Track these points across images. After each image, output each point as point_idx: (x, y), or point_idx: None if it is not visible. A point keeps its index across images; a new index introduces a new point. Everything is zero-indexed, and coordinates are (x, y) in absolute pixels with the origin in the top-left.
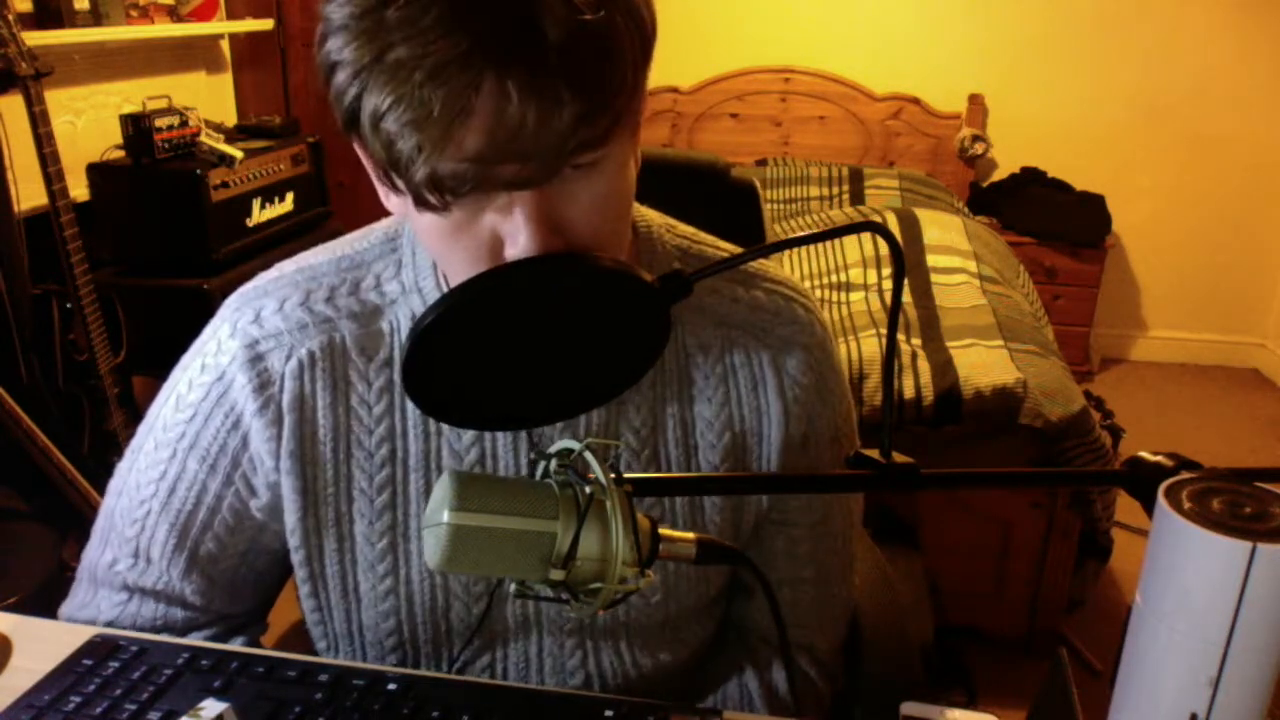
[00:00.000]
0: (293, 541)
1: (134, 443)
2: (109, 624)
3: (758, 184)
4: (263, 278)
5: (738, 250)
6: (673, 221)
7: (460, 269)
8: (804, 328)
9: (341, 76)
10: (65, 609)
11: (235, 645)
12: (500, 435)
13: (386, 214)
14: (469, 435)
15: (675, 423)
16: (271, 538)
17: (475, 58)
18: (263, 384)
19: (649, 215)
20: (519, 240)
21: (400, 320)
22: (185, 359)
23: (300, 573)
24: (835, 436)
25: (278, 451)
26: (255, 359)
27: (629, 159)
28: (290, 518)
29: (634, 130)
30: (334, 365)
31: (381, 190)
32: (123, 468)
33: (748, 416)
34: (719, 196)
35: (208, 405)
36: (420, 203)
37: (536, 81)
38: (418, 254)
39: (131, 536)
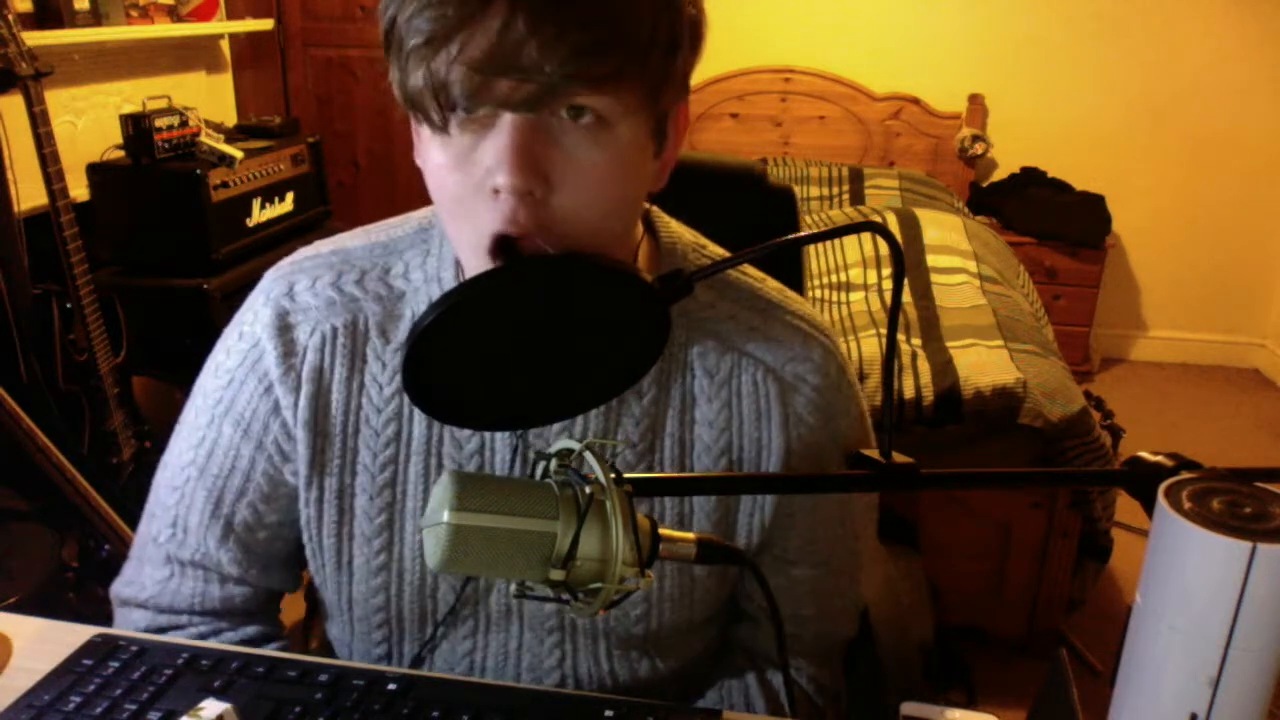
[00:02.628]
0: (299, 504)
1: (181, 417)
2: (150, 599)
3: (795, 190)
4: (301, 254)
5: (764, 276)
6: (704, 241)
7: (458, 210)
8: (818, 368)
9: None
10: (114, 586)
11: (236, 646)
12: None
13: (386, 215)
14: None
15: (673, 442)
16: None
17: None
18: (287, 352)
19: (679, 232)
20: (499, 170)
21: (420, 304)
22: (226, 330)
23: (302, 536)
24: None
25: (295, 419)
26: (284, 329)
27: (638, 153)
28: (299, 483)
29: (648, 121)
30: (354, 343)
31: (417, 142)
32: (171, 443)
33: (747, 447)
34: (754, 202)
35: (243, 371)
36: (418, 109)
37: (546, 5)
38: (444, 244)
39: (171, 505)
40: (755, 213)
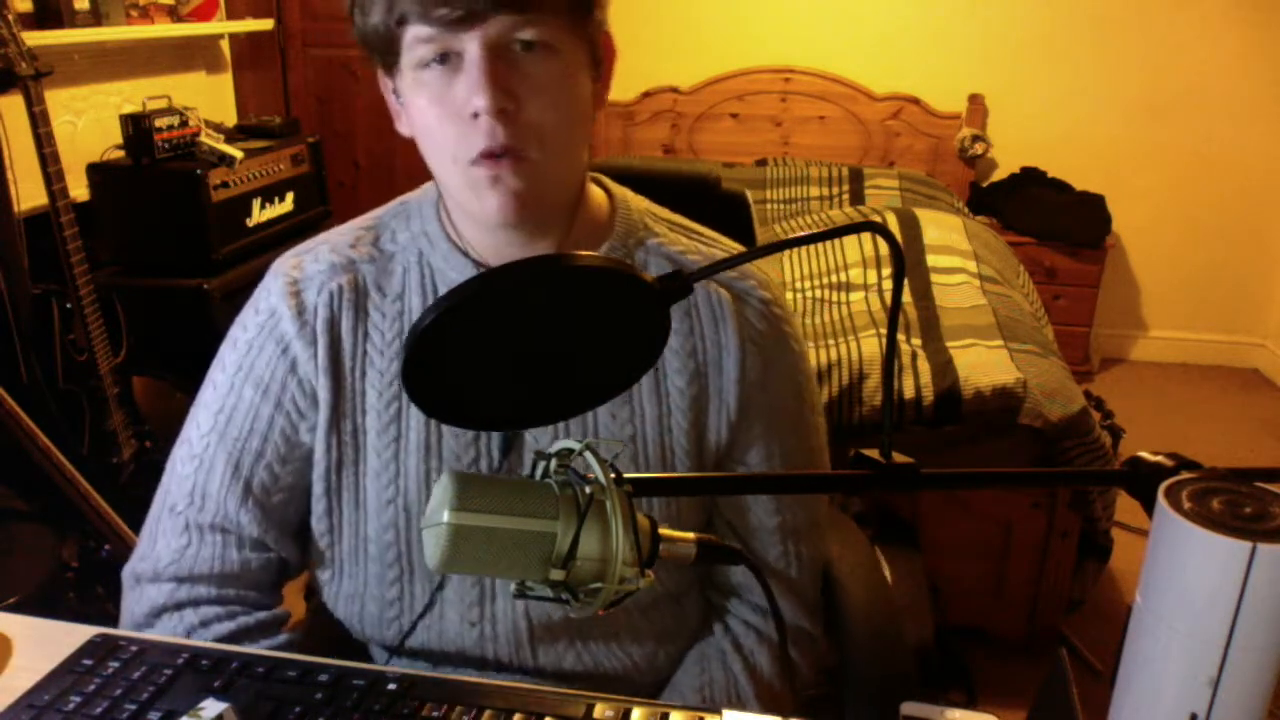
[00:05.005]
0: (317, 454)
1: (197, 399)
2: (167, 568)
3: (748, 194)
4: (298, 246)
5: (713, 233)
6: (655, 207)
7: (442, 137)
8: (761, 283)
9: None
10: (128, 566)
11: (238, 648)
12: None
13: None
14: None
15: None
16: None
17: None
18: (300, 311)
19: (632, 196)
20: (477, 95)
21: (410, 259)
22: (239, 317)
23: (318, 488)
24: (798, 390)
25: (315, 369)
26: (295, 294)
27: (581, 73)
28: (320, 430)
29: (584, 48)
30: (356, 297)
31: (398, 116)
32: (185, 426)
33: (709, 349)
34: (711, 207)
35: (261, 338)
36: (386, 53)
37: None
38: (424, 209)
39: (190, 473)
40: (711, 218)
